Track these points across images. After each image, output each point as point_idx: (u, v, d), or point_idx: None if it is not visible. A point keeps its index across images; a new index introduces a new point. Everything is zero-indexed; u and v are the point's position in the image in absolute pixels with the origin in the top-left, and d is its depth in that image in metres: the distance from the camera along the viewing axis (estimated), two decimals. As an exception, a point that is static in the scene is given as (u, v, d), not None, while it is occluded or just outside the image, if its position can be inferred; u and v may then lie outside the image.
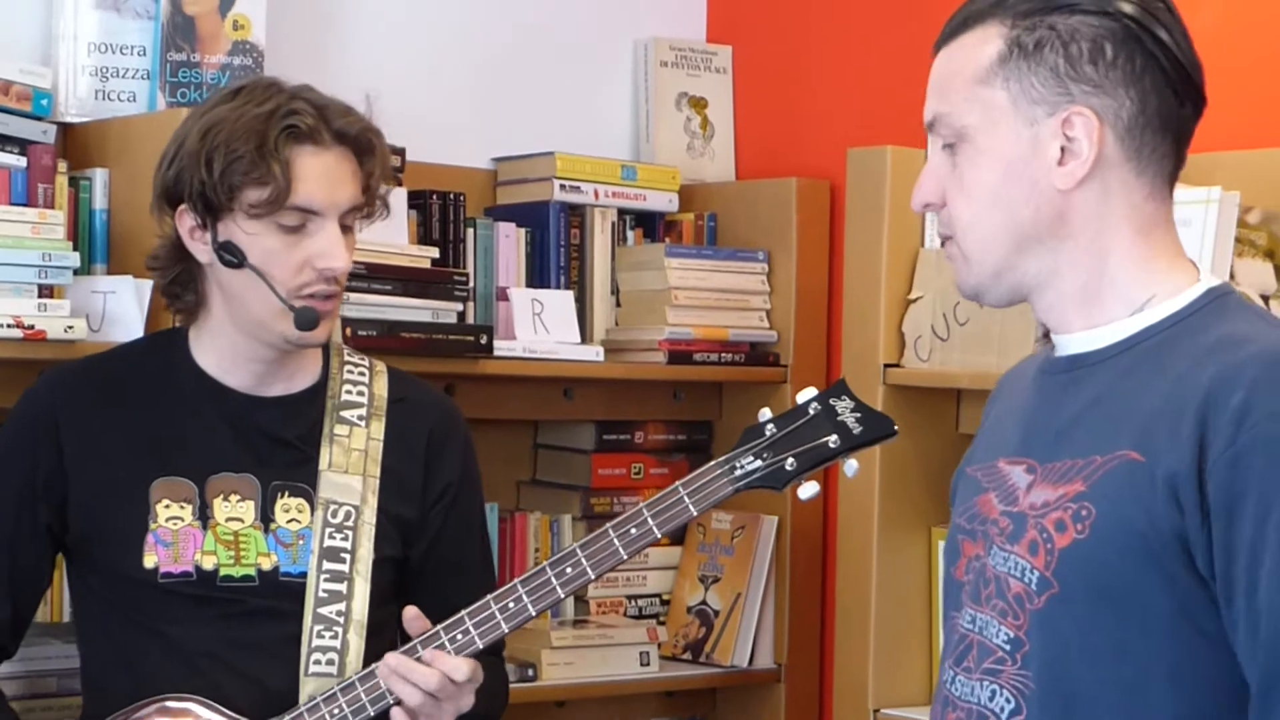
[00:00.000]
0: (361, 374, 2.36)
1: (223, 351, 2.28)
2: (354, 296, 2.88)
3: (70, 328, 2.56)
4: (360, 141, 2.23)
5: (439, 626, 2.19)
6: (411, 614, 2.20)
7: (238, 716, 2.20)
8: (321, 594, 2.23)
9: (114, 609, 2.25)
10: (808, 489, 2.17)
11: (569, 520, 3.32)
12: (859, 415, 2.17)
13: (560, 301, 3.20)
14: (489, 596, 2.19)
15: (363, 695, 2.19)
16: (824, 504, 3.34)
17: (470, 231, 3.17)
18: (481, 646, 2.18)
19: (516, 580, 2.19)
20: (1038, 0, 1.67)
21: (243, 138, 2.15)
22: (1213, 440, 1.55)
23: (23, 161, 2.66)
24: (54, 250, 2.59)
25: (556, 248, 3.27)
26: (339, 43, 3.24)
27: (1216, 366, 1.58)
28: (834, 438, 2.16)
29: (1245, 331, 1.62)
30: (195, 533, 2.24)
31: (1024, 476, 1.70)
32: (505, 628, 2.18)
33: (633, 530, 2.18)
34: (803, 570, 3.35)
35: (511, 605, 2.18)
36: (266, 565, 2.24)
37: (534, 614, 2.19)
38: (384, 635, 2.27)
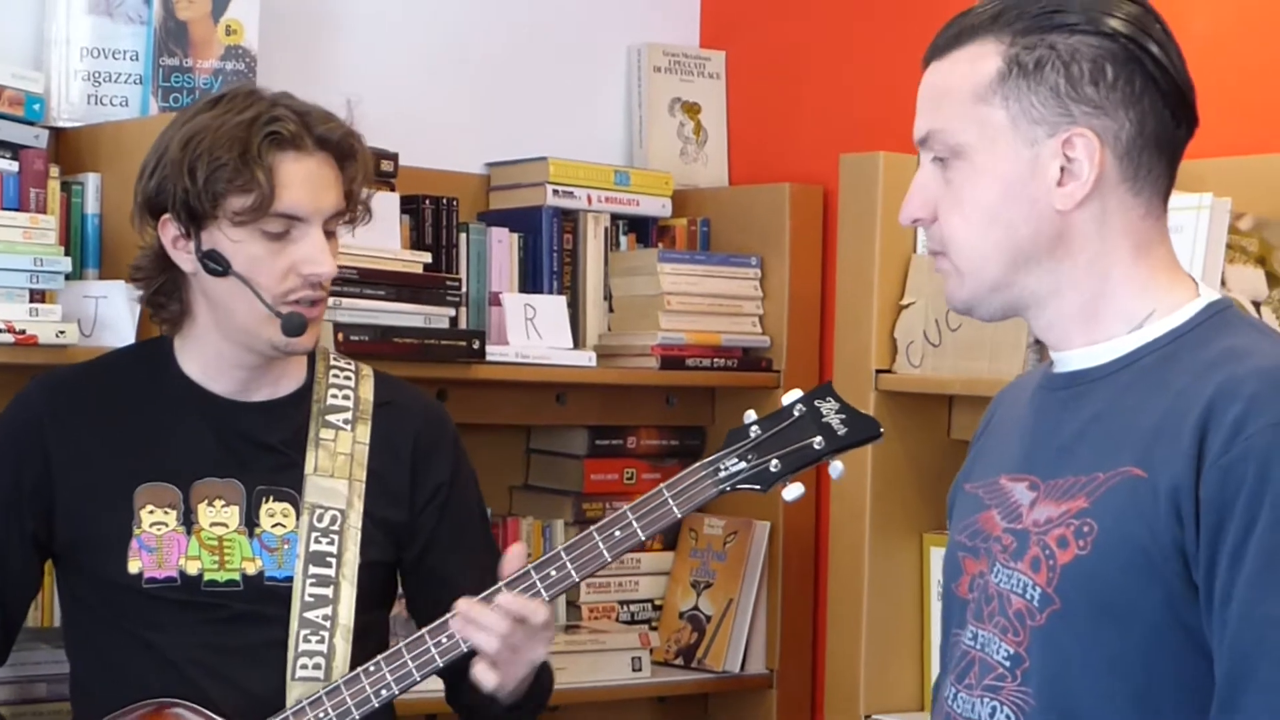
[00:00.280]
0: (347, 378, 2.36)
1: (208, 358, 2.28)
2: (346, 301, 2.88)
3: (62, 333, 2.56)
4: (342, 147, 2.23)
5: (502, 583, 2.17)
6: (510, 553, 2.19)
7: None
8: (307, 598, 2.23)
9: (100, 616, 2.25)
10: (793, 490, 2.17)
11: (561, 525, 3.32)
12: (844, 417, 2.17)
13: (553, 306, 3.20)
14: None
15: (348, 699, 2.18)
16: (815, 509, 3.34)
17: (463, 236, 3.17)
18: (466, 649, 2.18)
19: (501, 583, 2.18)
20: (1036, 19, 1.66)
21: (225, 145, 2.16)
22: (1209, 450, 1.55)
23: (14, 166, 2.66)
24: (45, 255, 2.59)
25: (549, 253, 3.27)
26: (331, 48, 3.24)
27: (1217, 380, 1.58)
28: (819, 439, 2.16)
29: (1246, 346, 1.62)
30: (179, 538, 2.24)
31: (1027, 493, 1.70)
32: None
33: (617, 532, 2.18)
34: (794, 576, 3.36)
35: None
36: (251, 570, 2.24)
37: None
38: (370, 640, 2.26)
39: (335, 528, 2.26)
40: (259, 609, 2.23)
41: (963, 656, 1.73)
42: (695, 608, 3.37)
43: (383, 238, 2.95)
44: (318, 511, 2.26)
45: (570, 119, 3.50)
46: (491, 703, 2.26)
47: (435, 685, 2.47)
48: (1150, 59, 1.65)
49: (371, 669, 2.18)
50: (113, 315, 2.65)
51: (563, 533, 3.32)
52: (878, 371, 2.95)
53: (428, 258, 3.05)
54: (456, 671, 2.30)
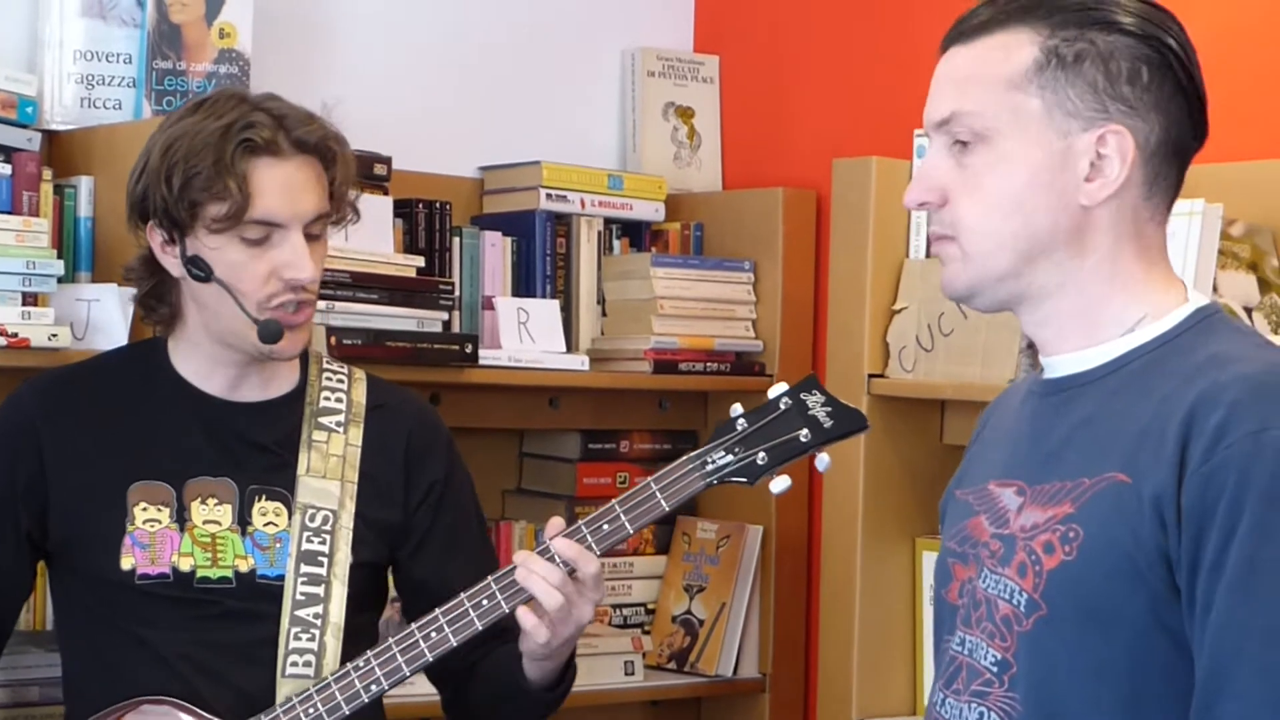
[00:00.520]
0: (340, 381, 2.36)
1: (200, 359, 2.29)
2: (339, 305, 2.88)
3: (54, 336, 2.56)
4: (321, 149, 2.23)
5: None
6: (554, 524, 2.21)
7: (214, 719, 2.19)
8: (299, 597, 2.23)
9: (93, 613, 2.26)
10: (780, 483, 2.17)
11: (554, 529, 3.32)
12: (830, 409, 2.17)
13: (546, 311, 3.20)
14: (462, 595, 2.19)
15: (338, 694, 2.18)
16: (808, 514, 3.35)
17: (456, 240, 3.17)
18: (455, 644, 2.18)
19: (490, 578, 2.19)
20: (1076, 13, 1.66)
21: (200, 153, 2.17)
22: (1191, 457, 1.55)
23: (7, 169, 2.66)
24: (38, 258, 2.59)
25: (542, 257, 3.27)
26: (325, 51, 3.24)
27: (1200, 386, 1.58)
28: (805, 432, 2.16)
29: (1230, 351, 1.62)
30: (172, 535, 2.24)
31: (1014, 499, 1.70)
32: (479, 625, 2.18)
33: (605, 526, 2.18)
34: (787, 580, 3.36)
35: (485, 603, 2.18)
36: (244, 568, 2.25)
37: (507, 610, 2.18)
38: (360, 641, 2.26)
39: (327, 528, 2.26)
40: (251, 606, 2.23)
41: (951, 662, 1.73)
42: (688, 612, 3.37)
43: (376, 241, 2.95)
44: (310, 511, 2.26)
45: (564, 123, 3.50)
46: (519, 691, 2.26)
47: (428, 690, 2.47)
48: (1181, 66, 1.66)
49: (361, 664, 2.18)
50: (105, 318, 2.65)
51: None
52: (870, 376, 2.95)
53: (421, 261, 3.05)
54: (460, 671, 2.30)
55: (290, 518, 2.26)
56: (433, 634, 2.18)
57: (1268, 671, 1.51)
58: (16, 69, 2.82)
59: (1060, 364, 1.72)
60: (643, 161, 3.53)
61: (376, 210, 2.96)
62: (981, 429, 1.89)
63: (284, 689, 2.21)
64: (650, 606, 3.42)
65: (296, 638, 2.22)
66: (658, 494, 2.18)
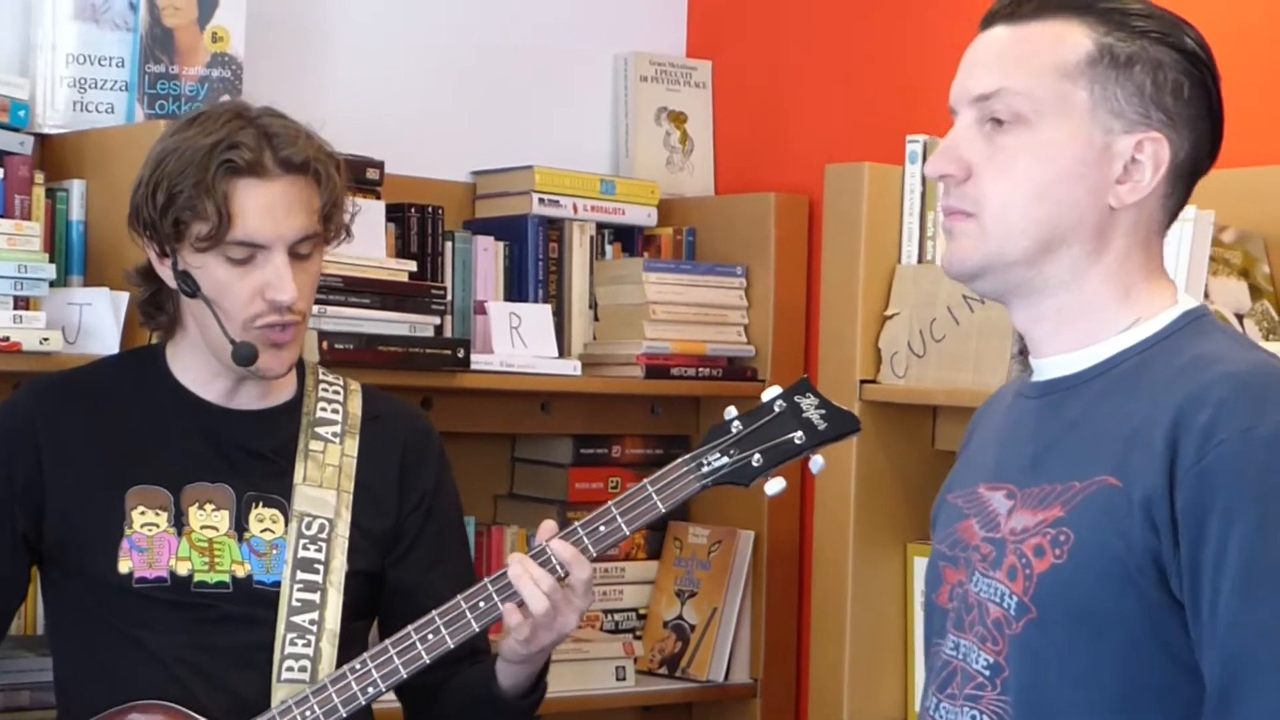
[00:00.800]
0: (336, 392, 2.37)
1: (198, 366, 2.29)
2: (331, 310, 2.88)
3: (46, 339, 2.56)
4: (310, 168, 2.21)
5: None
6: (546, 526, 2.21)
7: None
8: (295, 603, 2.24)
9: (89, 616, 2.25)
10: (774, 485, 2.17)
11: (546, 534, 3.31)
12: (823, 412, 2.18)
13: (538, 315, 3.20)
14: (459, 596, 2.19)
15: (334, 697, 2.19)
16: (800, 519, 3.35)
17: (448, 245, 3.17)
18: (453, 645, 2.18)
19: (486, 580, 2.19)
20: (1129, 18, 1.67)
21: (184, 172, 2.17)
22: (1181, 458, 1.56)
23: (-1, 172, 2.66)
24: (30, 262, 2.59)
25: (535, 261, 3.27)
26: (318, 55, 3.24)
27: (1187, 387, 1.58)
28: (799, 434, 2.17)
29: (1215, 352, 1.63)
30: (170, 539, 2.24)
31: (1004, 502, 1.70)
32: (476, 627, 2.18)
33: (601, 528, 2.18)
34: (779, 585, 3.36)
35: (482, 605, 2.18)
36: (240, 573, 2.25)
37: (503, 612, 2.18)
38: (354, 648, 2.27)
39: (323, 536, 2.27)
40: (247, 611, 2.23)
41: (944, 666, 1.73)
42: (679, 617, 3.37)
43: (368, 246, 2.95)
44: (306, 519, 2.27)
45: (556, 128, 3.50)
46: (491, 698, 2.26)
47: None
48: (1217, 91, 1.69)
49: (358, 667, 2.19)
50: (97, 322, 2.65)
51: (547, 541, 3.31)
52: (862, 382, 2.96)
53: (413, 266, 3.05)
54: (431, 688, 2.30)
55: (287, 525, 2.27)
56: (430, 635, 2.18)
57: None
58: (9, 72, 2.82)
59: (1049, 366, 1.72)
60: (635, 166, 3.53)
61: (368, 214, 2.96)
62: (971, 433, 1.89)
63: (279, 693, 2.21)
64: (642, 612, 3.42)
65: (292, 643, 2.23)
66: (654, 495, 2.18)
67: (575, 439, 3.39)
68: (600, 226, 3.36)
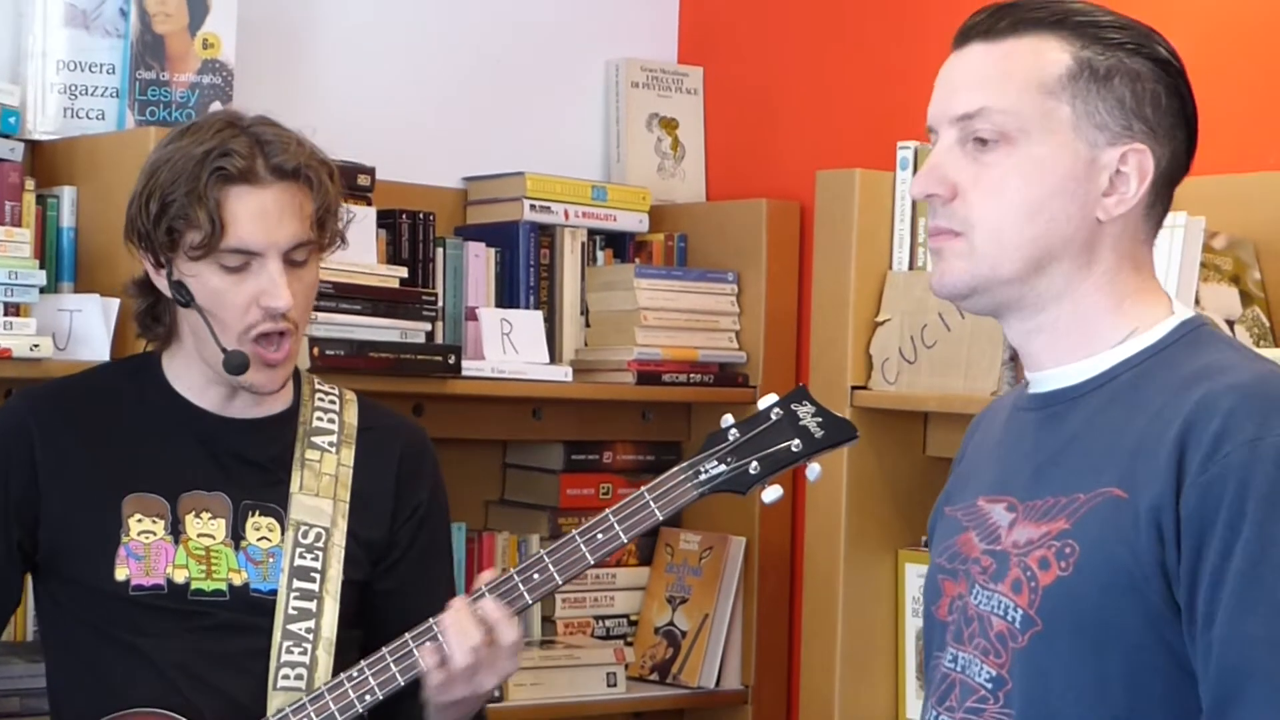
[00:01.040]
0: (332, 402, 2.37)
1: (194, 375, 2.30)
2: (322, 316, 2.88)
3: (36, 346, 2.55)
4: (302, 175, 2.21)
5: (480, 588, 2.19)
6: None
7: None
8: (291, 611, 2.24)
9: (85, 623, 2.25)
10: (771, 493, 2.18)
11: (537, 540, 3.31)
12: (820, 420, 2.18)
13: (529, 321, 3.20)
14: (457, 599, 2.19)
15: (331, 704, 2.19)
16: (792, 525, 3.35)
17: (440, 251, 3.17)
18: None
19: (484, 587, 2.18)
20: (1105, 30, 1.68)
21: (176, 181, 2.17)
22: (1188, 468, 1.56)
23: (-10, 179, 2.66)
24: (20, 268, 2.58)
25: (526, 268, 3.27)
26: (309, 61, 3.24)
27: (1194, 398, 1.58)
28: (796, 442, 2.17)
29: (1221, 363, 1.63)
30: (167, 547, 2.24)
31: (1005, 515, 1.70)
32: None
33: (599, 536, 2.18)
34: (770, 592, 3.36)
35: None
36: (237, 581, 2.25)
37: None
38: (349, 656, 2.26)
39: (320, 544, 2.27)
40: (244, 619, 2.24)
41: (943, 679, 1.73)
42: (671, 623, 3.37)
43: (359, 252, 2.94)
44: (303, 528, 2.27)
45: (548, 134, 3.50)
46: None
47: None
48: (1190, 97, 1.70)
49: (355, 674, 2.19)
50: (88, 329, 2.65)
51: (539, 547, 3.31)
52: (853, 388, 2.96)
53: (404, 272, 3.05)
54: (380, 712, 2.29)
55: (283, 534, 2.27)
56: (429, 643, 2.18)
57: (1278, 682, 1.51)
58: (-1, 79, 2.82)
59: (1047, 378, 1.72)
60: (627, 172, 3.53)
61: (360, 221, 2.95)
62: (966, 445, 1.89)
63: (275, 701, 2.21)
64: (633, 618, 3.41)
65: (289, 651, 2.23)
66: (651, 503, 2.18)
67: (566, 445, 3.39)
68: (592, 232, 3.36)
